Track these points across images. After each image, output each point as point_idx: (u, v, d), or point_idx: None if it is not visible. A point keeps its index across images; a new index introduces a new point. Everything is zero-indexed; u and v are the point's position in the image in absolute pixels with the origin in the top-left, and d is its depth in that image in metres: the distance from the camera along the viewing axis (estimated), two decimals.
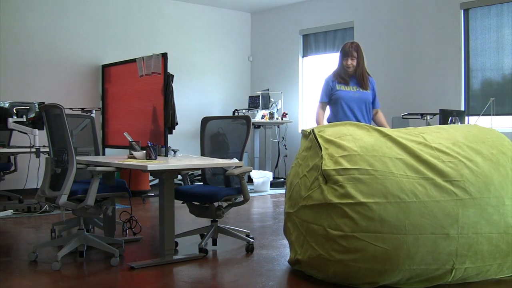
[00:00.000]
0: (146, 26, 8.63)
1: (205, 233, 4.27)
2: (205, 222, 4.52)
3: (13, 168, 6.65)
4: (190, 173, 6.20)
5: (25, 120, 5.68)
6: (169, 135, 5.39)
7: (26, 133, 5.66)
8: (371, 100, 4.48)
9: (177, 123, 5.51)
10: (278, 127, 8.98)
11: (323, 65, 8.99)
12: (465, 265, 3.13)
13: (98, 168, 3.70)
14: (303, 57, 9.27)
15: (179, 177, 4.77)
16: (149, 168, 3.63)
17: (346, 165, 3.21)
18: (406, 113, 6.36)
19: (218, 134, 4.60)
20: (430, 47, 7.47)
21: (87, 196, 3.67)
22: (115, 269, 3.67)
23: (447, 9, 7.28)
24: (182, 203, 4.33)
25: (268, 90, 8.87)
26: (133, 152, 4.11)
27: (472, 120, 6.54)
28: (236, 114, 8.91)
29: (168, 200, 3.81)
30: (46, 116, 3.88)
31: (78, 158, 3.94)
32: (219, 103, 9.50)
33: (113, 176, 4.36)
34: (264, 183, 7.89)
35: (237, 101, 9.55)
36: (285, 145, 8.85)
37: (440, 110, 5.99)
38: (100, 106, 7.67)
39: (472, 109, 7.04)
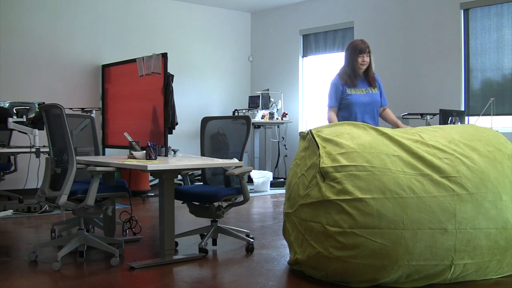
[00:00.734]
0: (146, 26, 8.63)
1: (205, 233, 4.27)
2: (205, 222, 4.52)
3: (13, 168, 6.65)
4: (190, 173, 6.20)
5: (25, 120, 5.68)
6: (169, 135, 5.39)
7: (26, 133, 5.66)
8: (379, 100, 4.35)
9: (177, 123, 5.51)
10: (278, 127, 8.98)
11: (323, 65, 9.00)
12: (464, 261, 3.13)
13: (98, 168, 3.70)
14: (303, 57, 9.27)
15: (179, 177, 4.77)
16: (149, 168, 3.63)
17: (344, 162, 3.23)
18: (406, 113, 6.36)
19: (218, 134, 4.60)
20: (430, 47, 7.47)
21: (87, 196, 3.67)
22: (115, 269, 3.67)
23: (447, 9, 7.28)
24: (182, 203, 4.33)
25: (268, 90, 8.87)
26: (133, 152, 4.12)
27: (472, 120, 6.54)
28: (236, 114, 8.91)
29: (168, 200, 3.81)
30: (46, 116, 3.88)
31: (78, 158, 3.94)
32: (219, 103, 9.50)
33: (113, 176, 4.36)
34: (264, 183, 7.89)
35: (237, 101, 9.55)
36: (285, 145, 8.85)
37: (440, 110, 5.99)
38: (100, 106, 7.67)
39: (472, 109, 7.04)
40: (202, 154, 4.59)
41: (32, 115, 5.79)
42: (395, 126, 4.28)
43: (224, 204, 4.24)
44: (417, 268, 3.09)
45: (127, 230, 4.69)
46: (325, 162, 3.28)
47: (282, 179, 8.31)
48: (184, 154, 5.39)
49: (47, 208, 5.86)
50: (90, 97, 7.99)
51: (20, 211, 5.84)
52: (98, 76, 7.99)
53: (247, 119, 4.37)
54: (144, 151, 4.04)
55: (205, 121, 4.66)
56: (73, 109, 6.86)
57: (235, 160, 4.04)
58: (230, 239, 4.40)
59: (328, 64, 8.92)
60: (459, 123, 5.78)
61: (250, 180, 7.73)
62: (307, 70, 9.26)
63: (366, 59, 4.24)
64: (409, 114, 6.34)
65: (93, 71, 8.04)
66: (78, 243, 3.85)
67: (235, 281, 3.53)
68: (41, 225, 5.27)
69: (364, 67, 4.26)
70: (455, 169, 3.23)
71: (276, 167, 9.01)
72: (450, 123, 5.73)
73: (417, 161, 3.24)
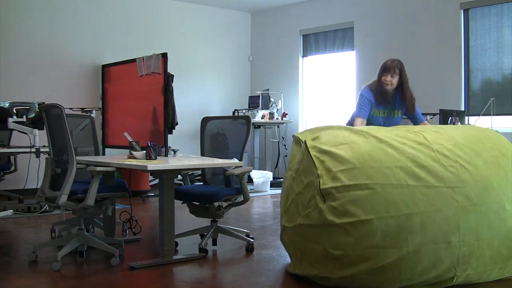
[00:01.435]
0: (146, 26, 8.63)
1: (205, 233, 4.27)
2: (205, 222, 4.52)
3: (13, 168, 6.65)
4: (190, 173, 6.20)
5: (25, 120, 5.68)
6: (169, 135, 5.39)
7: (26, 133, 5.66)
8: (398, 124, 4.20)
9: (177, 123, 5.52)
10: (278, 127, 8.97)
11: (323, 65, 9.00)
12: (466, 272, 3.12)
13: (98, 168, 3.70)
14: (303, 57, 9.26)
15: (179, 177, 4.77)
16: (149, 168, 3.63)
17: (345, 181, 3.08)
18: None
19: (218, 134, 4.60)
20: (430, 47, 7.47)
21: (87, 196, 3.67)
22: (115, 269, 3.67)
23: (447, 9, 7.28)
24: (182, 203, 4.33)
25: (268, 90, 8.87)
26: (133, 152, 4.12)
27: (472, 120, 6.54)
28: (236, 114, 8.91)
29: (168, 200, 3.81)
30: (46, 116, 3.88)
31: (78, 158, 3.94)
32: (219, 103, 9.50)
33: (113, 176, 4.36)
34: (264, 183, 7.89)
35: (237, 101, 9.55)
36: (285, 145, 8.85)
37: (440, 110, 5.99)
38: (100, 106, 7.67)
39: (472, 109, 7.04)
40: (202, 154, 4.59)
41: (32, 115, 5.79)
42: None
43: (224, 204, 4.23)
44: (419, 281, 3.07)
45: (127, 230, 4.69)
46: (326, 183, 3.13)
47: (282, 179, 8.28)
48: (184, 154, 5.40)
49: (47, 208, 5.86)
50: (90, 97, 7.99)
51: (20, 211, 5.84)
52: (98, 76, 7.99)
53: (247, 119, 4.37)
54: (144, 151, 4.04)
55: (205, 121, 4.66)
56: (73, 109, 6.85)
57: (235, 160, 4.04)
58: (230, 239, 4.40)
59: (328, 64, 8.92)
60: (459, 123, 5.78)
61: (250, 180, 7.73)
62: (307, 70, 9.25)
63: (390, 79, 4.10)
64: None
65: (93, 71, 8.04)
66: (78, 243, 3.85)
67: (235, 281, 3.52)
68: (41, 225, 5.27)
69: (389, 87, 4.14)
70: (460, 179, 3.14)
71: (276, 167, 9.01)
72: (450, 123, 5.73)
73: (420, 170, 3.12)
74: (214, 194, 4.08)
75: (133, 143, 4.20)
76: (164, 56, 5.38)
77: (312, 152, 3.28)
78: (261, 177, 7.89)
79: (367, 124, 4.12)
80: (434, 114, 6.31)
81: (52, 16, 7.72)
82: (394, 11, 7.90)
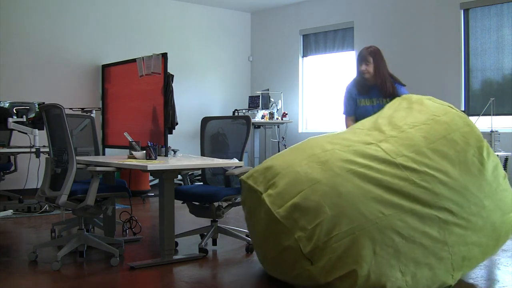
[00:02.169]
0: (146, 26, 8.63)
1: (205, 233, 4.27)
2: (205, 222, 4.52)
3: (13, 168, 6.65)
4: (190, 173, 6.20)
5: (25, 120, 5.69)
6: (169, 135, 5.39)
7: (26, 133, 5.66)
8: None
9: (177, 123, 5.51)
10: (278, 127, 8.97)
11: (323, 65, 8.99)
12: (462, 271, 3.17)
13: (98, 168, 3.70)
14: (303, 57, 9.26)
15: (179, 177, 4.76)
16: (149, 168, 3.63)
17: (324, 236, 2.87)
18: None
19: (218, 134, 4.60)
20: (430, 47, 7.47)
21: (87, 196, 3.67)
22: (115, 269, 3.67)
23: (447, 9, 7.28)
24: (182, 203, 4.33)
25: (268, 90, 8.87)
26: (133, 152, 4.12)
27: (472, 120, 6.52)
28: (236, 114, 8.90)
29: (168, 200, 3.81)
30: (46, 116, 3.88)
31: (78, 158, 3.94)
32: (219, 103, 9.49)
33: (113, 176, 4.37)
34: None
35: (237, 101, 9.55)
36: (285, 145, 8.84)
37: None
38: (100, 106, 7.66)
39: (472, 109, 7.04)
40: (202, 154, 4.59)
41: (32, 115, 5.79)
42: None
43: (224, 204, 4.24)
44: None
45: (127, 230, 4.69)
46: (306, 245, 2.90)
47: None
48: (184, 154, 5.39)
49: (47, 208, 5.87)
50: (90, 97, 7.99)
51: (20, 211, 5.84)
52: (98, 76, 7.99)
53: (247, 119, 4.37)
54: (144, 151, 4.04)
55: (205, 121, 4.66)
56: (73, 109, 6.85)
57: (235, 160, 4.04)
58: (230, 239, 4.40)
59: (328, 64, 8.92)
60: None
61: None
62: (307, 70, 9.25)
63: (365, 67, 4.04)
64: None
65: (93, 71, 8.04)
66: (78, 243, 3.85)
67: (235, 281, 3.52)
68: (41, 225, 5.27)
69: (367, 76, 4.07)
70: (434, 193, 3.01)
71: None
72: None
73: (393, 196, 2.94)
74: (214, 194, 4.08)
75: (133, 143, 4.20)
76: (164, 56, 5.38)
77: (278, 211, 3.02)
78: None
79: (359, 115, 4.07)
80: None
81: (52, 16, 7.72)
82: (394, 11, 7.90)
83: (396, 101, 3.79)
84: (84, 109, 7.00)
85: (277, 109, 8.76)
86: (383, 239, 2.86)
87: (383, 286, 2.85)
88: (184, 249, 4.23)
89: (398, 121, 3.44)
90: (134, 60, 6.01)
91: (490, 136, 6.12)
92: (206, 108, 9.15)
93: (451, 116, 3.44)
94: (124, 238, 4.41)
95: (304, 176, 3.07)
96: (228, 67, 9.68)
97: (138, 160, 3.97)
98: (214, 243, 4.35)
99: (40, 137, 5.51)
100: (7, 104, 5.89)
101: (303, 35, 9.20)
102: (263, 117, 8.62)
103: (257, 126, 8.59)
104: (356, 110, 4.19)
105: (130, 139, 4.30)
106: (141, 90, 5.98)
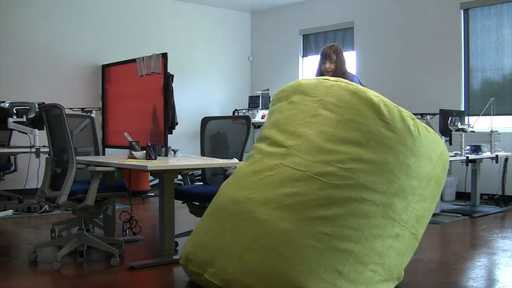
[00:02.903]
0: (146, 26, 8.63)
1: None
2: None
3: (13, 168, 6.65)
4: (190, 173, 6.20)
5: (25, 120, 5.69)
6: (169, 135, 5.38)
7: (26, 133, 5.67)
8: None
9: (177, 123, 5.51)
10: None
11: None
12: (422, 228, 3.05)
13: (98, 168, 3.70)
14: (303, 57, 9.27)
15: (179, 177, 4.76)
16: (149, 168, 3.63)
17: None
18: None
19: (218, 134, 4.60)
20: (430, 47, 7.47)
21: (87, 196, 3.67)
22: (115, 269, 3.67)
23: (447, 9, 7.28)
24: (182, 203, 4.33)
25: (268, 90, 8.87)
26: (133, 152, 4.12)
27: (472, 120, 6.54)
28: (236, 114, 8.91)
29: (168, 200, 3.81)
30: (46, 116, 3.88)
31: (78, 158, 3.94)
32: (219, 103, 9.50)
33: (113, 176, 4.36)
34: None
35: (237, 101, 9.55)
36: None
37: (440, 110, 5.99)
38: (100, 106, 7.66)
39: (472, 109, 7.05)
40: (202, 154, 4.59)
41: (32, 115, 5.79)
42: None
43: None
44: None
45: (127, 230, 4.69)
46: None
47: None
48: (184, 154, 5.39)
49: (47, 208, 5.87)
50: (90, 97, 7.99)
51: (20, 211, 5.84)
52: (98, 76, 7.99)
53: (247, 119, 4.37)
54: (144, 151, 4.04)
55: (205, 121, 4.66)
56: (73, 109, 6.86)
57: (235, 160, 4.04)
58: None
59: None
60: (459, 123, 5.79)
61: None
62: (307, 70, 9.25)
63: (329, 65, 4.01)
64: None
65: (93, 71, 8.04)
66: (78, 243, 3.85)
67: None
68: (41, 225, 5.27)
69: (330, 74, 4.02)
70: (359, 184, 2.78)
71: None
72: (450, 123, 5.74)
73: (325, 210, 2.74)
74: (214, 194, 4.07)
75: (133, 143, 4.20)
76: (164, 56, 5.38)
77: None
78: None
79: None
80: (434, 114, 6.31)
81: (52, 16, 7.72)
82: (394, 11, 7.90)
83: (275, 102, 3.47)
84: (84, 109, 7.01)
85: None
86: (338, 256, 2.69)
87: None
88: None
89: (290, 126, 3.15)
90: (134, 60, 6.01)
91: (490, 136, 6.13)
92: (206, 108, 9.15)
93: (334, 93, 3.06)
94: (124, 238, 4.40)
95: (212, 243, 3.06)
96: (228, 67, 9.69)
97: (138, 160, 3.97)
98: None
99: (40, 137, 5.51)
100: (7, 104, 5.90)
101: (303, 35, 9.20)
102: (263, 117, 8.62)
103: (257, 126, 8.58)
104: None
105: (130, 139, 4.30)
106: (141, 90, 5.98)
